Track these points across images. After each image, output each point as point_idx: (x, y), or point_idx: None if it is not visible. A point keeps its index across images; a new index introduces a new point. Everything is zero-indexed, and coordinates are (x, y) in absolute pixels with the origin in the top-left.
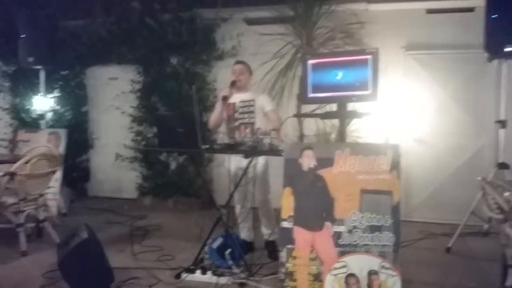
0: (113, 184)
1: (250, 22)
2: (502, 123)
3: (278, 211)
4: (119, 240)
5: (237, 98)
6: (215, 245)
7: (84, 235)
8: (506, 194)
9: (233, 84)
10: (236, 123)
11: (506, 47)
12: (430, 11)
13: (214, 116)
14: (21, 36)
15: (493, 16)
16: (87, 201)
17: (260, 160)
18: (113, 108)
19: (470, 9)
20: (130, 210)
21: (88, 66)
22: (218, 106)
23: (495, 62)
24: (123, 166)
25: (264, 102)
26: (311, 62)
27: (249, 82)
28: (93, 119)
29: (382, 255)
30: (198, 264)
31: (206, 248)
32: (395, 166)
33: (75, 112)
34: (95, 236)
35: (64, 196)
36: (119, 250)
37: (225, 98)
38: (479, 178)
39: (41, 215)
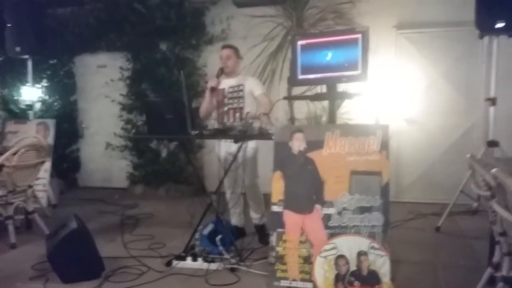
0: (104, 174)
1: (240, 4)
2: (492, 101)
3: (267, 195)
4: (110, 230)
5: (226, 83)
6: (206, 231)
7: (73, 225)
8: (493, 170)
9: (220, 71)
10: (225, 108)
11: (496, 23)
12: None
13: (204, 106)
14: (8, 25)
15: None
16: (77, 191)
17: (250, 144)
18: (103, 97)
19: None
20: (121, 199)
21: (76, 54)
22: (207, 96)
23: (486, 38)
24: (113, 155)
25: (253, 86)
26: (300, 43)
27: (238, 66)
28: (82, 108)
29: (371, 236)
30: (189, 251)
31: (197, 235)
32: (384, 146)
33: (64, 101)
34: (85, 226)
35: (54, 187)
36: (110, 239)
37: (213, 89)
38: (468, 155)
39: (30, 206)
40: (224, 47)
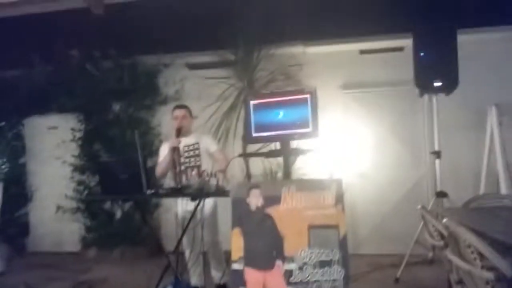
0: (55, 238)
1: (192, 67)
2: (437, 154)
3: (228, 253)
4: None
5: (181, 142)
6: None
7: None
8: (445, 220)
9: (178, 132)
10: (183, 167)
11: (434, 83)
12: (363, 52)
13: (161, 166)
14: None
15: (420, 54)
16: (26, 257)
17: (208, 202)
18: (53, 158)
19: (399, 49)
20: (73, 264)
21: (26, 116)
22: (166, 156)
23: (426, 96)
24: (64, 218)
25: (208, 144)
26: (253, 102)
27: (192, 125)
28: (31, 171)
29: None
30: None
31: None
32: (339, 200)
33: (12, 164)
34: None
35: (1, 253)
36: None
37: (174, 149)
38: (419, 206)
39: None
40: (178, 107)
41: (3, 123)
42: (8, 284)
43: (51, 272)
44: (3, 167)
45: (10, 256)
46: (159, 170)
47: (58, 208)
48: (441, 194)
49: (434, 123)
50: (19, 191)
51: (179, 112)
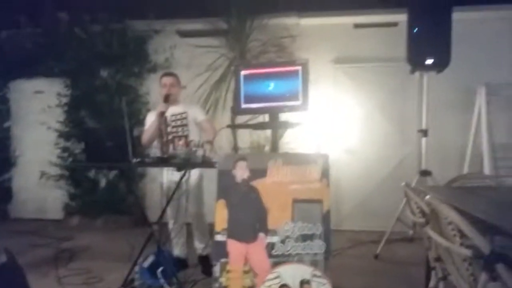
0: (38, 204)
1: (183, 34)
2: (424, 132)
3: (212, 225)
4: (43, 264)
5: (168, 111)
6: (146, 264)
7: (2, 259)
8: (427, 197)
9: (166, 98)
10: (170, 137)
11: (426, 60)
12: (357, 26)
13: (148, 133)
14: None
15: (414, 31)
16: (8, 223)
17: (194, 173)
18: (38, 123)
19: (394, 24)
20: (55, 231)
21: (12, 79)
22: (154, 122)
23: (417, 74)
24: (48, 185)
25: (196, 113)
26: (243, 73)
27: (180, 94)
28: (16, 135)
29: (313, 263)
30: (128, 285)
31: (137, 268)
32: (325, 175)
33: None
34: (15, 260)
35: None
36: (43, 274)
37: (162, 114)
38: (403, 184)
39: None
40: (166, 74)
41: None
42: None
43: (34, 238)
44: None
45: None
46: (145, 138)
47: (42, 174)
48: (425, 173)
49: (423, 101)
50: (3, 155)
51: (168, 80)
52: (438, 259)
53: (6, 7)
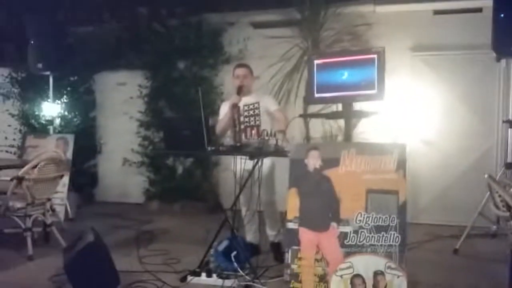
0: (120, 189)
1: (257, 25)
2: (510, 123)
3: (283, 213)
4: (126, 244)
5: (241, 101)
6: (221, 247)
7: (90, 238)
8: None
9: (239, 89)
10: (242, 126)
11: None
12: (437, 12)
13: (222, 123)
14: (30, 42)
15: (501, 16)
16: (94, 206)
17: (266, 162)
18: (121, 113)
19: (478, 10)
20: (137, 214)
21: (96, 71)
22: (227, 114)
23: (503, 61)
24: (130, 171)
25: (268, 103)
26: (317, 62)
27: (253, 85)
28: (101, 125)
29: (388, 255)
30: (203, 267)
31: (212, 251)
32: (401, 165)
33: (83, 117)
34: (101, 239)
35: (71, 201)
36: (125, 254)
37: (235, 105)
38: (486, 175)
39: (49, 219)
40: (239, 66)
41: (75, 77)
42: (77, 229)
43: (117, 221)
44: (75, 119)
45: (79, 204)
46: (219, 128)
47: (125, 161)
48: (511, 165)
49: (511, 90)
50: (89, 143)
51: (241, 71)
52: None
53: (91, 4)
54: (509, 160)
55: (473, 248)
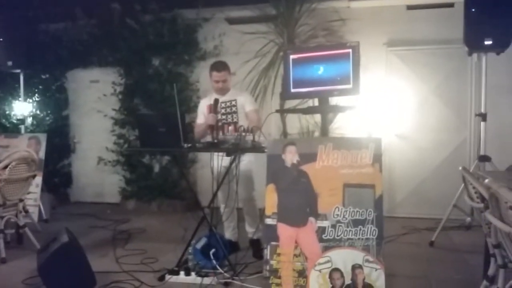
0: (96, 189)
1: (232, 21)
2: (483, 116)
3: (262, 210)
4: (102, 245)
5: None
6: (199, 245)
7: (64, 239)
8: (486, 181)
9: (216, 103)
10: (220, 124)
11: (485, 40)
12: (411, 7)
13: (201, 128)
14: (0, 39)
15: (472, 10)
16: (69, 206)
17: (244, 158)
18: (95, 111)
19: (450, 4)
20: (113, 214)
21: (69, 69)
22: (203, 128)
23: (475, 55)
24: (105, 170)
25: (245, 102)
26: (292, 57)
27: (230, 82)
28: (74, 123)
29: (365, 248)
30: (182, 266)
31: (190, 249)
32: (377, 159)
33: (56, 116)
34: (76, 240)
35: (45, 202)
36: (102, 254)
37: (211, 127)
38: (461, 168)
39: (21, 221)
40: (218, 69)
41: (47, 75)
42: (52, 231)
43: (93, 221)
44: (47, 118)
45: (54, 205)
46: (197, 133)
47: (100, 160)
48: (484, 158)
49: (482, 84)
50: (62, 142)
51: (220, 76)
52: (498, 245)
53: (62, 1)
54: (482, 153)
55: (448, 240)
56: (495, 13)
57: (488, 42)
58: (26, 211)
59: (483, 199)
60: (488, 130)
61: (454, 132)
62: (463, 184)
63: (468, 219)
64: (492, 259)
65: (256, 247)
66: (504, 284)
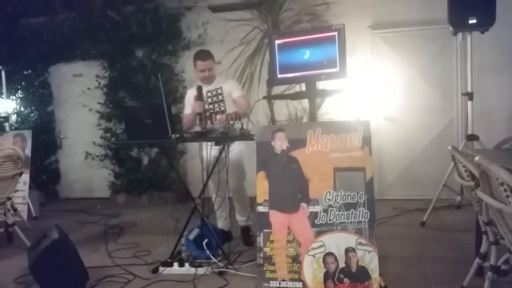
0: (85, 184)
1: (215, 9)
2: (469, 95)
3: (253, 198)
4: (93, 240)
5: (204, 89)
6: (192, 236)
7: (55, 235)
8: (476, 158)
9: (200, 90)
10: (207, 113)
11: (470, 19)
12: None
13: (188, 119)
14: None
15: None
16: (58, 203)
17: (235, 147)
18: (80, 106)
19: None
20: (103, 209)
21: (51, 64)
22: (191, 118)
23: (460, 35)
24: (93, 165)
25: (231, 88)
26: (278, 42)
27: (215, 70)
28: (59, 119)
29: (358, 232)
30: (175, 257)
31: (183, 240)
32: (366, 142)
33: (40, 112)
34: (67, 236)
35: (34, 199)
36: (94, 249)
37: (200, 114)
38: (450, 147)
39: (10, 219)
40: (202, 58)
41: (29, 71)
42: (42, 228)
43: (83, 216)
44: (32, 115)
45: (43, 202)
46: (185, 124)
47: (87, 155)
48: (472, 137)
49: (468, 63)
50: (48, 138)
51: (205, 65)
52: (489, 223)
53: None
54: (469, 132)
55: (439, 220)
56: None
57: (472, 21)
58: (15, 209)
59: (473, 177)
60: (474, 109)
61: (442, 112)
62: (452, 164)
63: (458, 198)
64: (484, 237)
65: (246, 234)
66: (496, 260)
